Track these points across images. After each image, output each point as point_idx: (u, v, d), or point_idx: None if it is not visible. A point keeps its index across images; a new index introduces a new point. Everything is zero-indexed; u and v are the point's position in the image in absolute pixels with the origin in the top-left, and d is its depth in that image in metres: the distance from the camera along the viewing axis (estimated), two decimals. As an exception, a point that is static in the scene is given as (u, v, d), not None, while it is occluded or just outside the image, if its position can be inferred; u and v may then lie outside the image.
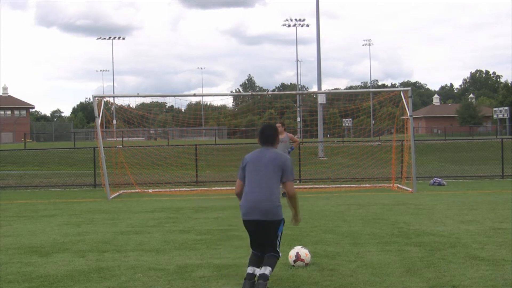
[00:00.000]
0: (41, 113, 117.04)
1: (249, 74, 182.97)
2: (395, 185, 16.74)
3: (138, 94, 20.86)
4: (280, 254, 5.54)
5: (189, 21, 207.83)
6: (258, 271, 5.36)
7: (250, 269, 5.39)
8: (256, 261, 5.46)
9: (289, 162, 5.49)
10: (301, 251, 6.50)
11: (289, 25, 70.17)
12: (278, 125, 13.23)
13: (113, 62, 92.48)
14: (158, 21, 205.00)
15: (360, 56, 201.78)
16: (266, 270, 5.29)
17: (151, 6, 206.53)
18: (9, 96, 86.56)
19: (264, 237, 5.42)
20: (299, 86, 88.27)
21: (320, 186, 17.72)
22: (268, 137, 5.60)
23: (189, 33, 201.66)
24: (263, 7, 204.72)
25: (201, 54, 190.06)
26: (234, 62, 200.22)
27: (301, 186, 17.23)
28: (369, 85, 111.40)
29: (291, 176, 5.43)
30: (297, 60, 74.73)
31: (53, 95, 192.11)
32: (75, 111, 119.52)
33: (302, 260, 6.42)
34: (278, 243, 5.49)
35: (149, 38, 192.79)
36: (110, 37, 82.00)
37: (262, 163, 5.39)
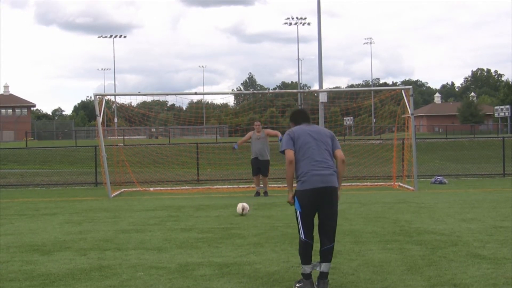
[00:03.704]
0: (42, 111, 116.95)
1: (250, 73, 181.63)
2: (396, 183, 16.72)
3: (139, 92, 20.86)
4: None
5: (189, 19, 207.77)
6: (312, 268, 5.54)
7: (307, 268, 5.54)
8: (310, 255, 5.58)
9: (333, 134, 5.98)
10: (245, 205, 10.50)
11: (290, 24, 70.20)
12: (257, 123, 14.45)
13: (114, 60, 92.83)
14: (158, 20, 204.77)
15: (361, 55, 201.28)
16: (327, 267, 5.55)
17: (151, 4, 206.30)
18: (10, 94, 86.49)
19: (328, 207, 5.60)
20: (301, 84, 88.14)
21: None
22: (303, 115, 6.04)
23: (190, 32, 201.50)
24: (263, 5, 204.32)
25: (201, 52, 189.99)
26: (235, 60, 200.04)
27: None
28: (370, 83, 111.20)
29: (339, 144, 5.94)
30: (298, 59, 74.95)
31: (54, 93, 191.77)
32: (76, 109, 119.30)
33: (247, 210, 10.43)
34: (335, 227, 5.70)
35: (149, 37, 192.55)
36: (111, 36, 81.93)
37: (313, 138, 5.77)
